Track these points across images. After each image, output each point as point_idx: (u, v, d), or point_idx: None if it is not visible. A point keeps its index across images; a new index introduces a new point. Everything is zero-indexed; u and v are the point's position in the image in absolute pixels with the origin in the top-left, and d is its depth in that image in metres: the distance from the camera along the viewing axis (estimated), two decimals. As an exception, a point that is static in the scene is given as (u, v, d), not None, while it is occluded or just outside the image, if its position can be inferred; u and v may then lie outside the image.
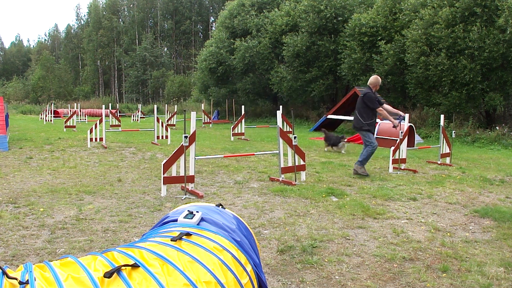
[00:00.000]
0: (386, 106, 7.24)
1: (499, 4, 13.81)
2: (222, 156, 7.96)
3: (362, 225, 4.33)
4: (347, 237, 3.95)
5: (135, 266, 1.45)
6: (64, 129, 16.40)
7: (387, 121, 8.19)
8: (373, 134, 7.20)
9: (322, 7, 20.21)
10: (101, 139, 11.31)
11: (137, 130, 15.39)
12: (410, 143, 10.94)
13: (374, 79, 7.12)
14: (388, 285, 2.96)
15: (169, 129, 12.71)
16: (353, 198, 5.50)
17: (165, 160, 5.63)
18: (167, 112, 23.23)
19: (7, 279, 1.23)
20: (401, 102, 18.75)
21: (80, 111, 25.27)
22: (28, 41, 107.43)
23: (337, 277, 3.08)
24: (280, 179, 6.56)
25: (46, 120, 22.41)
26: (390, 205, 5.23)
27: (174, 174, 5.69)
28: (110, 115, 18.60)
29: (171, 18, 56.15)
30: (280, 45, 22.92)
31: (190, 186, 5.80)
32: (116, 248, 1.61)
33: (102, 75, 58.13)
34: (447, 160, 8.96)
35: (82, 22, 63.51)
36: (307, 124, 21.29)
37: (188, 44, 56.36)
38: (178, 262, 1.53)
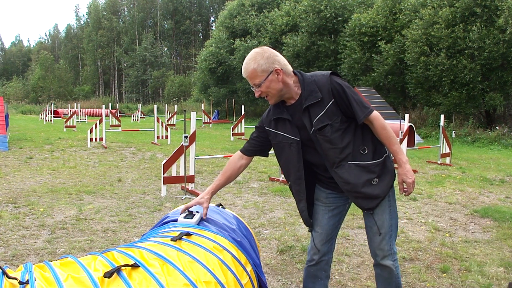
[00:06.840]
0: None
1: (499, 4, 13.81)
2: (222, 156, 7.96)
3: (362, 225, 4.33)
4: (347, 237, 3.95)
5: (135, 266, 1.44)
6: (64, 129, 16.39)
7: (387, 121, 8.04)
8: None
9: (322, 7, 20.20)
10: (101, 139, 11.31)
11: (137, 130, 15.38)
12: (410, 143, 10.92)
13: None
14: (388, 285, 2.95)
15: (169, 129, 12.70)
16: (353, 198, 5.49)
17: (165, 160, 5.63)
18: (167, 112, 23.23)
19: (7, 279, 1.23)
20: (401, 102, 18.75)
21: (80, 111, 25.25)
22: (28, 41, 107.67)
23: (337, 277, 3.08)
24: (280, 179, 6.56)
25: (46, 120, 22.40)
26: (390, 205, 5.22)
27: (174, 174, 5.69)
28: (110, 115, 18.60)
29: (171, 18, 56.12)
30: (280, 45, 22.91)
31: (190, 186, 5.79)
32: (116, 248, 1.60)
33: (102, 75, 58.11)
34: (447, 160, 8.96)
35: (82, 22, 63.47)
36: (307, 124, 21.27)
37: (188, 44, 56.35)
38: (178, 262, 1.53)
